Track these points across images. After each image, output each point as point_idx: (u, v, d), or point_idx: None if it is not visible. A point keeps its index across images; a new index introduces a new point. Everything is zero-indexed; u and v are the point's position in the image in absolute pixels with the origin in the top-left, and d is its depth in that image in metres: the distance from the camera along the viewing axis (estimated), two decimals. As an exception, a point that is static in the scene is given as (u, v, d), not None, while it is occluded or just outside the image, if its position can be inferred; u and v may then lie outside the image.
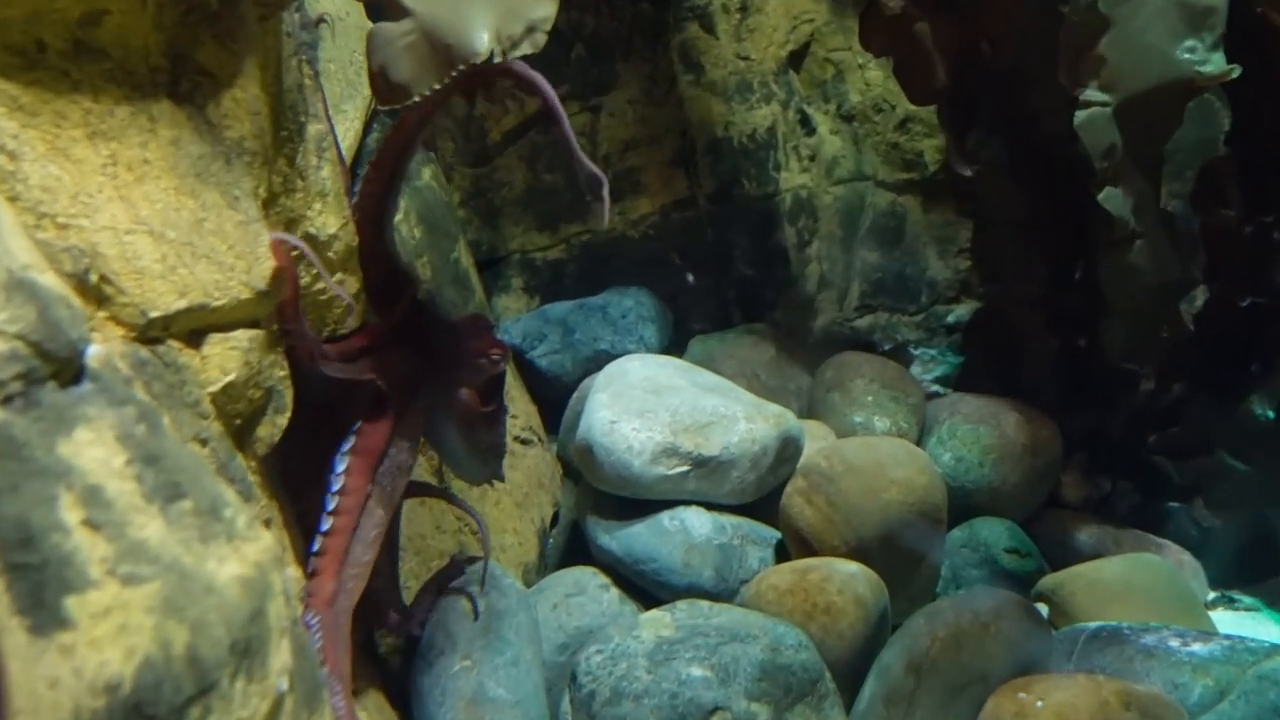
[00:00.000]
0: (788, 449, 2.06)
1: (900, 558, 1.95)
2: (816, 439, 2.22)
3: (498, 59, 1.20)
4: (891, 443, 2.06)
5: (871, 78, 2.74)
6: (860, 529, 1.92)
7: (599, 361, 2.41)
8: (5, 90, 0.96)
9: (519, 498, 2.06)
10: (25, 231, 0.81)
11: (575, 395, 2.35)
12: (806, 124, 2.74)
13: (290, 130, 1.23)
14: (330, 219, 1.30)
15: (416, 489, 1.56)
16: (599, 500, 1.99)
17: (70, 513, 0.71)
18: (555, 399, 2.38)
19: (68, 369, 0.77)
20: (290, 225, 1.24)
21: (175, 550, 0.75)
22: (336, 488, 1.28)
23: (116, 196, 1.02)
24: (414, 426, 1.41)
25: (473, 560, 1.65)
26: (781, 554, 2.01)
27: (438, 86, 1.23)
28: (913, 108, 2.67)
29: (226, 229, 1.11)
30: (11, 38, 0.95)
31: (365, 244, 1.37)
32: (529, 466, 2.13)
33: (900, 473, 1.96)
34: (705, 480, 1.95)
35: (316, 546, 1.24)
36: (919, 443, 2.33)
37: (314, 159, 1.28)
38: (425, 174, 2.21)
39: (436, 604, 1.55)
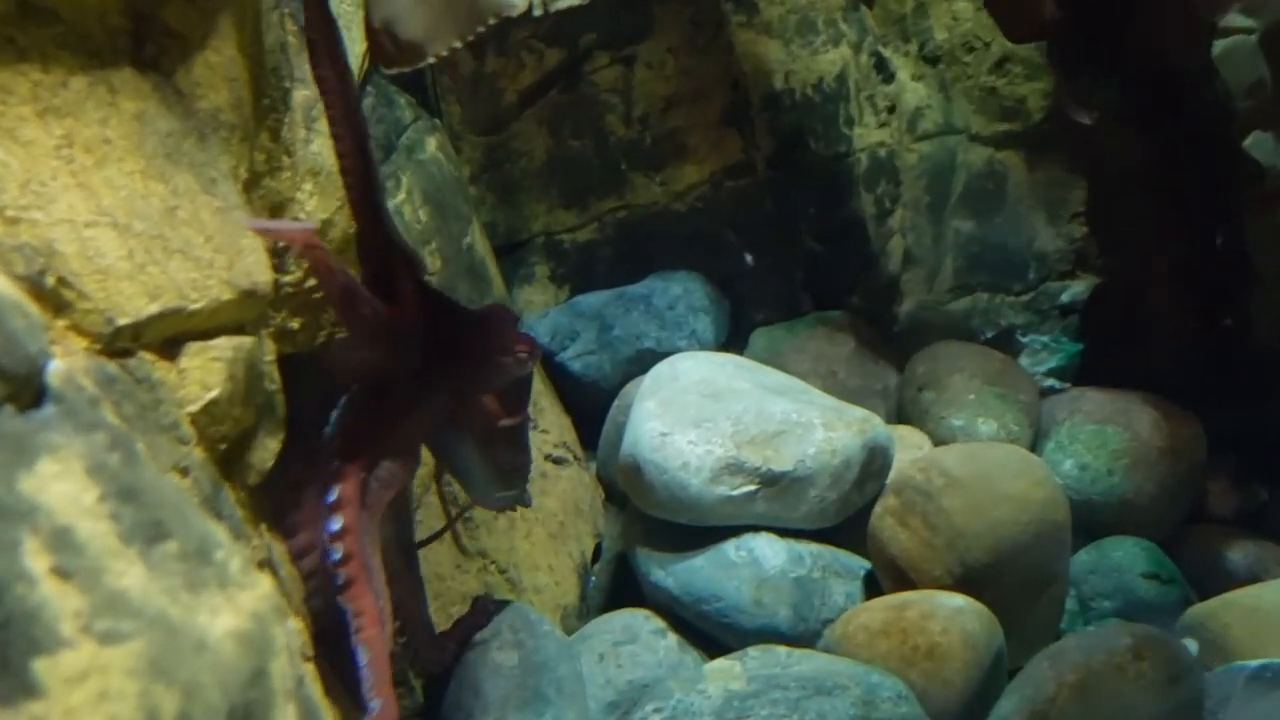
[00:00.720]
0: (875, 461, 2.05)
1: (1016, 588, 1.93)
2: (909, 448, 2.21)
3: (537, 11, 1.20)
4: (1001, 450, 2.04)
5: (959, 10, 2.72)
6: (966, 555, 1.91)
7: (643, 362, 2.41)
8: (-60, 63, 0.97)
9: (553, 528, 2.07)
10: (-29, 228, 0.82)
11: (616, 403, 2.36)
12: (883, 69, 2.73)
13: (273, 98, 1.24)
14: (323, 201, 1.31)
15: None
16: (650, 528, 1.99)
17: (36, 559, 0.71)
18: (592, 409, 2.39)
19: (26, 390, 0.78)
20: (276, 210, 1.25)
21: (160, 601, 0.76)
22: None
23: (73, 183, 1.03)
24: (412, 435, 1.41)
25: (501, 604, 1.65)
26: (871, 587, 2.00)
27: (458, 44, 1.23)
28: (1011, 45, 2.65)
29: (202, 218, 1.12)
30: (-55, 0, 0.97)
31: (358, 225, 1.38)
32: (564, 490, 2.14)
33: (1013, 486, 1.95)
34: (777, 501, 1.95)
35: (338, 553, 1.25)
36: (1034, 449, 2.31)
37: (302, 131, 1.28)
38: (430, 144, 2.22)
39: (463, 654, 1.56)
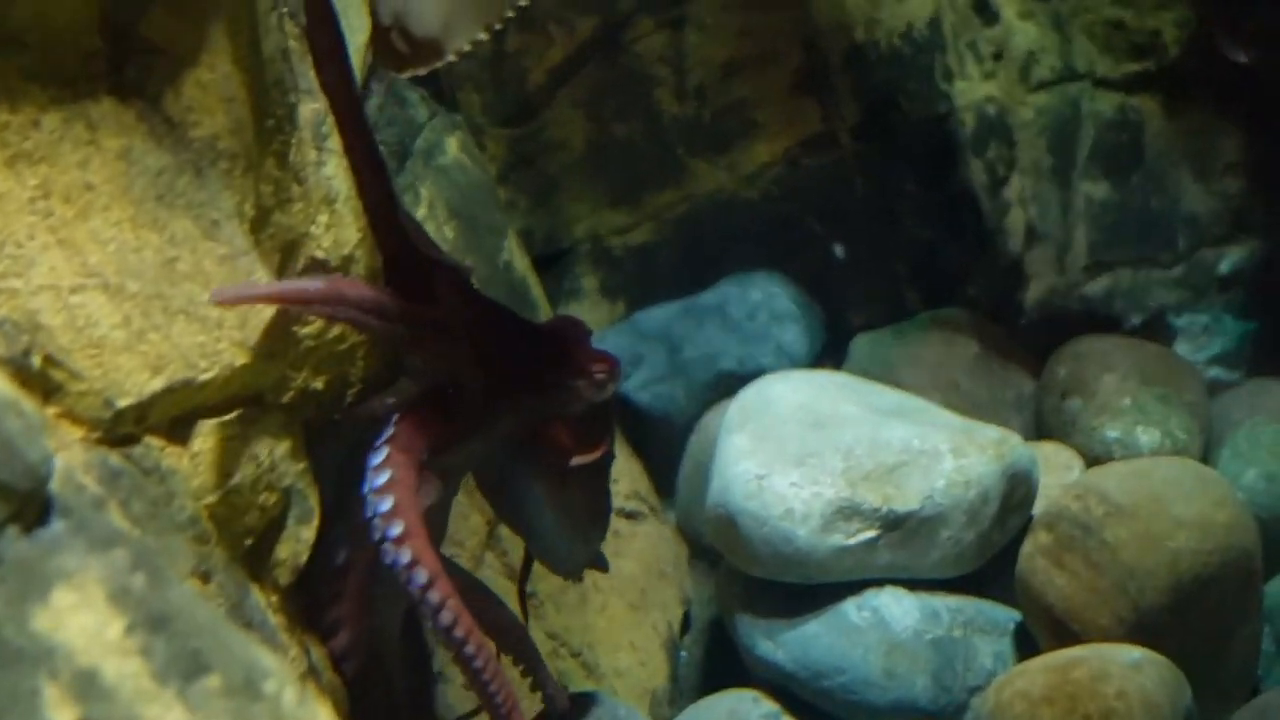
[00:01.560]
0: (1017, 490, 2.04)
1: (1202, 633, 1.92)
2: (1056, 468, 2.20)
3: None
4: (1170, 466, 2.02)
5: (1071, -70, 2.71)
6: (1139, 598, 1.89)
7: (723, 387, 2.39)
8: (-105, 110, 0.98)
9: (632, 597, 2.07)
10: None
11: (694, 439, 2.35)
12: (984, 8, 2.71)
13: (278, 117, 1.24)
14: (344, 232, 1.32)
15: None
16: (751, 590, 1.98)
17: (59, 712, 0.72)
18: (666, 448, 2.38)
19: (31, 505, 0.78)
20: (291, 249, 1.26)
21: (206, 749, 0.76)
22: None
23: (54, 241, 1.04)
24: (464, 459, 1.43)
25: (587, 700, 1.66)
26: (1024, 644, 1.99)
27: (483, 35, 1.24)
28: (1139, -33, 2.64)
29: (206, 268, 1.13)
30: (-108, 34, 0.98)
31: (380, 246, 1.39)
32: (642, 550, 2.14)
33: (1189, 509, 1.93)
34: (903, 548, 1.94)
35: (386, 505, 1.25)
36: (1206, 459, 2.28)
37: (312, 152, 1.29)
38: (451, 146, 2.23)
39: None
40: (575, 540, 1.56)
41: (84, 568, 0.78)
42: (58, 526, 0.80)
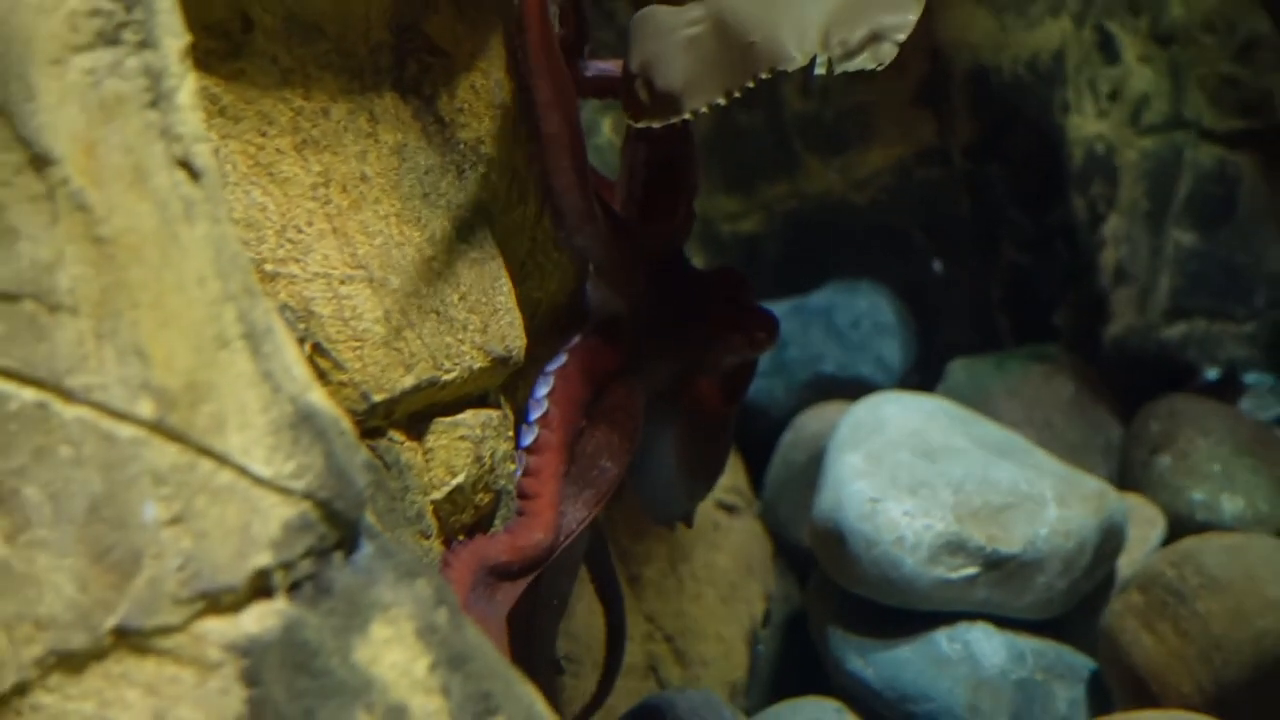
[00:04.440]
0: (1109, 543, 2.04)
1: (1277, 713, 1.90)
2: (1140, 523, 2.19)
3: (819, 69, 1.18)
4: (1269, 545, 2.01)
5: (1204, -19, 2.68)
6: (1223, 670, 1.89)
7: (819, 388, 2.41)
8: (205, 88, 0.97)
9: (724, 590, 2.07)
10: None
11: (787, 437, 2.35)
12: (1108, 47, 2.68)
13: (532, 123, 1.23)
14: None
15: None
16: (845, 605, 1.98)
17: (373, 747, 0.72)
18: (759, 442, 2.37)
19: (351, 531, 0.78)
20: (518, 262, 1.25)
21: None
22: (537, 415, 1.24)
23: (329, 229, 1.04)
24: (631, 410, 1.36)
25: (683, 696, 1.66)
26: (1096, 694, 1.99)
27: (722, 100, 1.22)
28: (1261, 29, 2.60)
29: (458, 270, 1.12)
30: (213, 12, 0.97)
31: None
32: (736, 545, 2.14)
33: (1280, 590, 1.93)
34: (999, 587, 1.94)
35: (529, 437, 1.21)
36: (1286, 534, 2.28)
37: (548, 155, 1.28)
38: (604, 126, 2.22)
39: None
40: (683, 492, 1.55)
41: (398, 601, 0.78)
42: (368, 551, 0.79)
